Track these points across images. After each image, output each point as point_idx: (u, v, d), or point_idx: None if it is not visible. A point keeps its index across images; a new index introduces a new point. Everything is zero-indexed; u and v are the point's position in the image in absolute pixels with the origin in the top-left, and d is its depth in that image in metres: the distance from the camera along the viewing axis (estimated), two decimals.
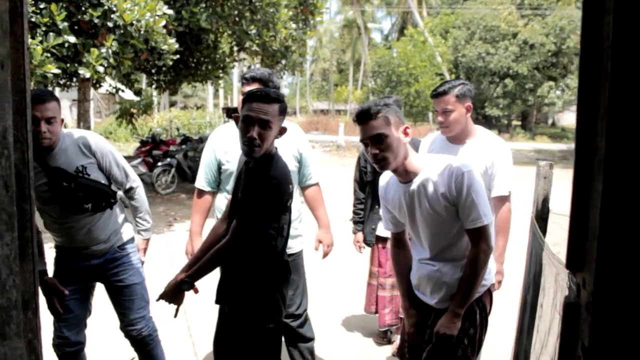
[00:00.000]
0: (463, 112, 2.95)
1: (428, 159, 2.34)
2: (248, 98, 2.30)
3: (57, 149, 2.74)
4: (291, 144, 3.18)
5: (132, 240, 3.05)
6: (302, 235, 3.35)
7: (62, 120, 2.76)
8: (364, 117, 2.22)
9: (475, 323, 2.35)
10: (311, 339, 3.41)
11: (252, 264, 2.38)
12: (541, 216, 2.84)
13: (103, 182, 2.87)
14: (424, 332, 2.45)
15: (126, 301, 3.00)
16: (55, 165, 2.73)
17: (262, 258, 2.39)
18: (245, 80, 3.04)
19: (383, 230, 3.64)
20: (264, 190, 2.27)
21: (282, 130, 2.36)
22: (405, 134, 2.26)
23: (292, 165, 3.11)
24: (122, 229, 3.00)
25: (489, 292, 2.45)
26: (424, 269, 2.40)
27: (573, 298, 0.98)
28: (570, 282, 1.44)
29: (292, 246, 3.18)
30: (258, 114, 2.24)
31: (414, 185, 2.28)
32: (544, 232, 2.84)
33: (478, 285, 2.27)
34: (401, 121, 2.27)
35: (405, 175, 2.30)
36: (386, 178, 2.48)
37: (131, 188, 3.00)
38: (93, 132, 2.93)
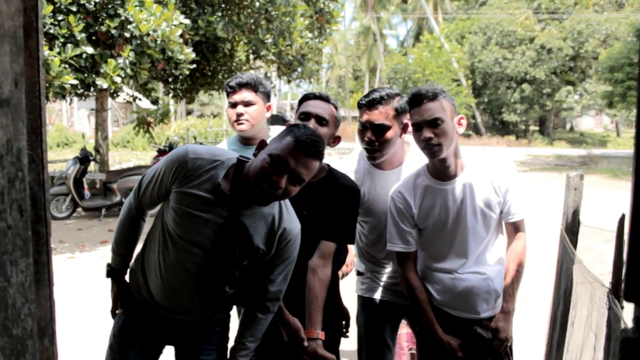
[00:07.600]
0: (398, 132, 2.26)
1: (468, 154, 2.22)
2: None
3: (268, 208, 1.90)
4: None
5: (229, 316, 2.20)
6: None
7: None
8: (420, 98, 2.06)
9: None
10: None
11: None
12: (571, 229, 2.72)
13: None
14: (471, 348, 2.21)
15: None
16: (245, 220, 1.88)
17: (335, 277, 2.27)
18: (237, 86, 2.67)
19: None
20: (352, 202, 2.16)
21: (337, 139, 2.25)
22: (460, 124, 2.12)
23: None
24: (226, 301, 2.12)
25: None
26: (466, 282, 2.16)
27: (632, 333, 0.89)
28: (614, 305, 1.35)
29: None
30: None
31: (461, 183, 2.13)
32: (575, 245, 2.73)
33: (522, 276, 2.24)
34: (456, 111, 2.13)
35: (451, 170, 2.13)
36: (405, 184, 2.20)
37: (268, 308, 2.03)
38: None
